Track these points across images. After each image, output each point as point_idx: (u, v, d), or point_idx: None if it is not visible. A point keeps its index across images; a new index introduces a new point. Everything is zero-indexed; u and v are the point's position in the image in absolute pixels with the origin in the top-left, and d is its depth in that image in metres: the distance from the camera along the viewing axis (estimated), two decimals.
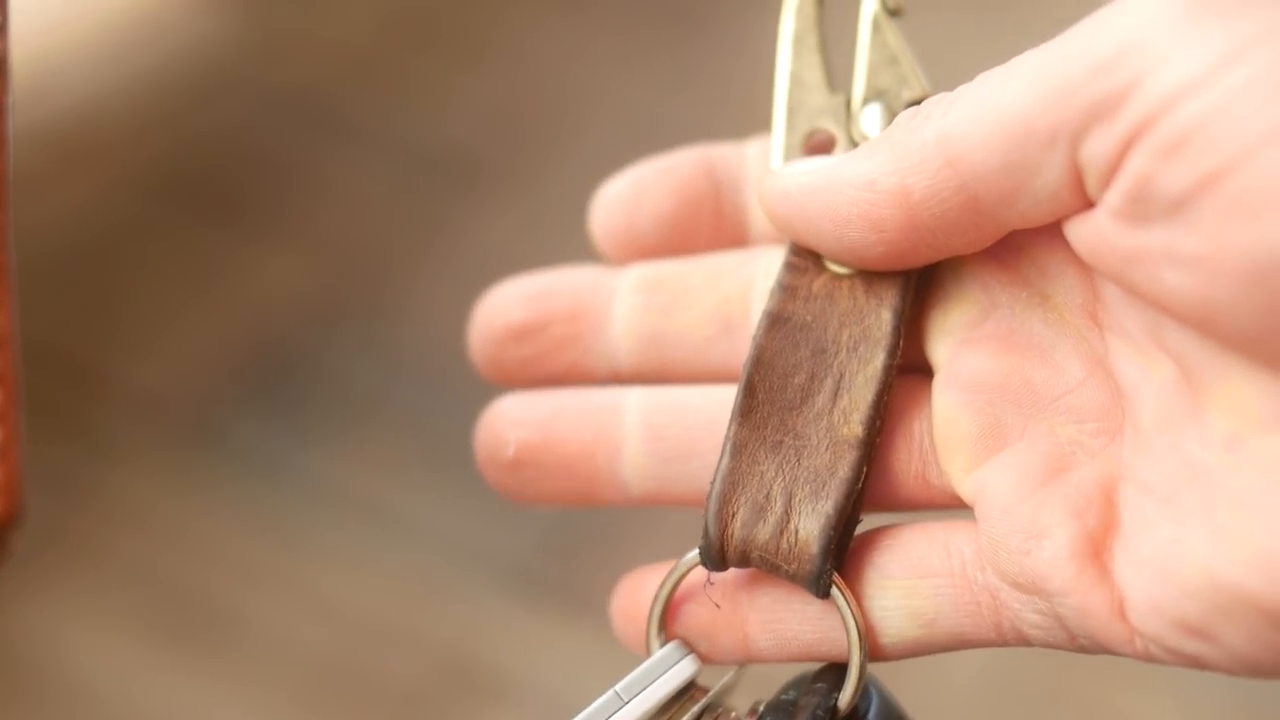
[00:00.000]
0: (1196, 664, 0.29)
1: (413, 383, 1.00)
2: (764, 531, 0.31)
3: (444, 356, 1.00)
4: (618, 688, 0.31)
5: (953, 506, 0.32)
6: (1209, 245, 0.27)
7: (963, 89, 0.30)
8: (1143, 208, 0.27)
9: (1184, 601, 0.28)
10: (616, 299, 0.35)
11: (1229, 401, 0.28)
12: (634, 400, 0.34)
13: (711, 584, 0.32)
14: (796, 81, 0.34)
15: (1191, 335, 0.29)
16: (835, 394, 0.32)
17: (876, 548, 0.32)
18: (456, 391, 0.85)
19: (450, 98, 1.19)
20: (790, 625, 0.32)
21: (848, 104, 0.34)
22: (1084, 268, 0.31)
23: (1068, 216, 0.29)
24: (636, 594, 0.33)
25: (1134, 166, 0.27)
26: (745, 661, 0.32)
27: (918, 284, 0.33)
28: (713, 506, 0.31)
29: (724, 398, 0.33)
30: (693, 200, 0.35)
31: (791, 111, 0.34)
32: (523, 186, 1.11)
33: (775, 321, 0.33)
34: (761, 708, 0.32)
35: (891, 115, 0.34)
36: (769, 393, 0.32)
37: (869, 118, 0.34)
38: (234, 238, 1.09)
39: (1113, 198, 0.28)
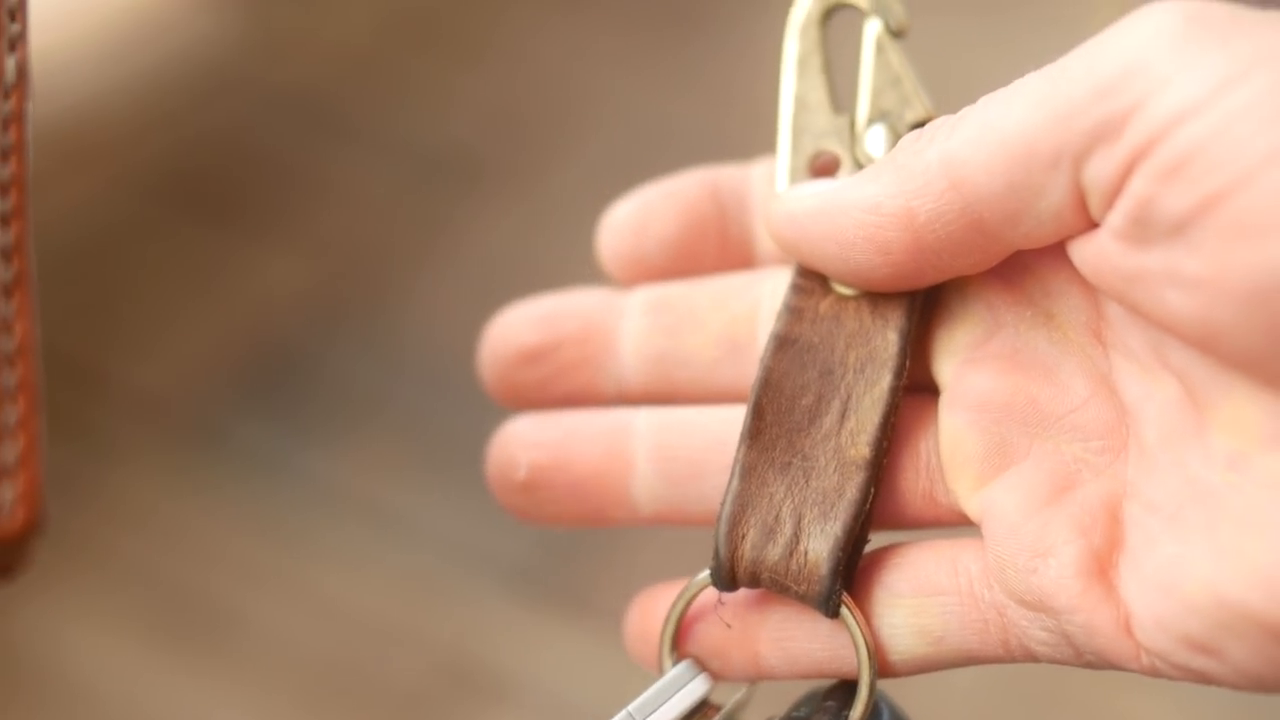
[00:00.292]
0: (1202, 679, 0.29)
1: (414, 383, 1.00)
2: (773, 553, 0.31)
3: (445, 357, 1.00)
4: (630, 707, 0.31)
5: (960, 525, 0.32)
6: (1211, 267, 0.27)
7: (965, 112, 0.30)
8: (1145, 229, 0.28)
9: (1188, 618, 0.28)
10: (625, 321, 0.35)
11: (1232, 420, 0.28)
12: (643, 421, 0.34)
13: (722, 604, 0.32)
14: (801, 103, 0.35)
15: (1194, 354, 0.29)
16: (843, 415, 0.32)
17: (885, 566, 0.32)
18: (458, 392, 0.85)
19: (451, 98, 1.19)
20: (800, 643, 0.32)
21: (852, 125, 0.34)
22: (1088, 286, 0.31)
23: (1071, 237, 0.30)
24: (649, 614, 0.34)
25: (1136, 188, 0.27)
26: (756, 679, 0.33)
27: (923, 304, 0.33)
28: (723, 528, 0.32)
29: (732, 418, 0.33)
30: (698, 223, 0.36)
31: (796, 133, 0.35)
32: (524, 187, 1.11)
33: (783, 344, 0.33)
34: None
35: (895, 136, 0.34)
36: (777, 414, 0.33)
37: (874, 139, 0.34)
38: (234, 238, 1.09)
39: (1115, 219, 0.28)
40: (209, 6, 1.28)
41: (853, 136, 0.34)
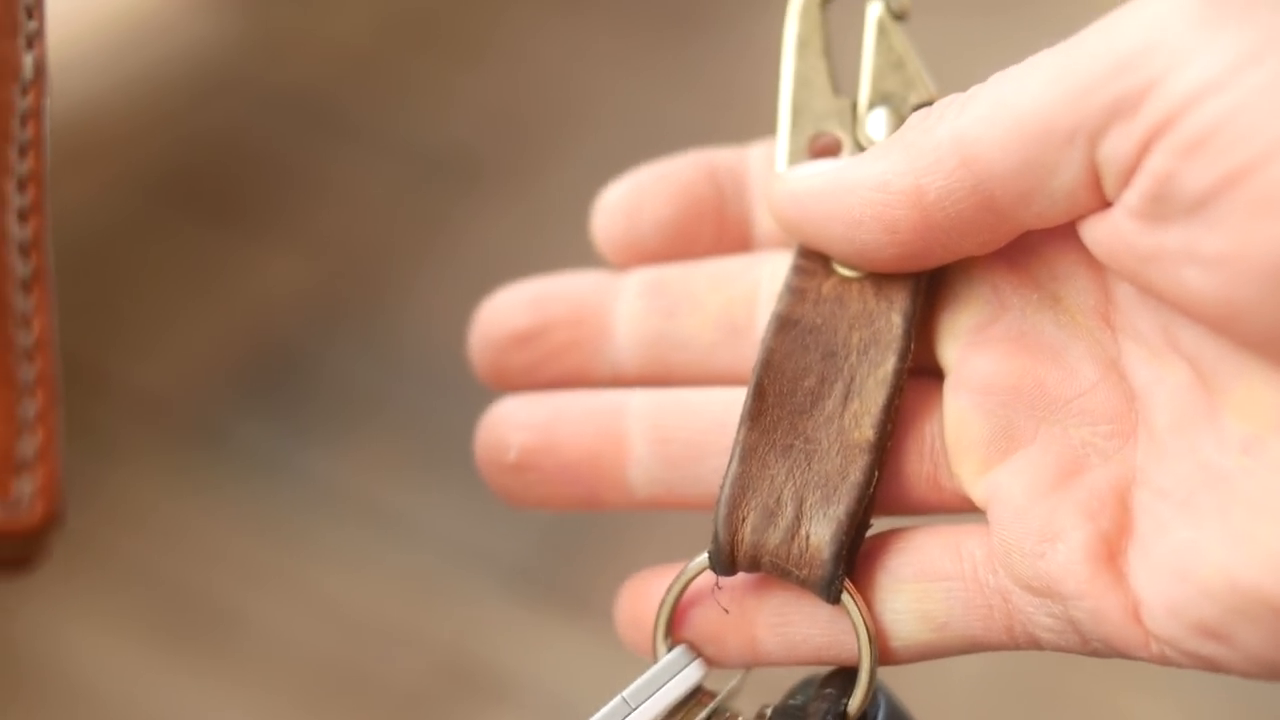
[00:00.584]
0: (1212, 667, 0.29)
1: (414, 383, 1.00)
2: (774, 536, 0.31)
3: (445, 357, 0.99)
4: (625, 694, 0.31)
5: (963, 510, 0.32)
6: (1231, 244, 0.27)
7: (976, 89, 0.30)
8: (1163, 207, 0.27)
9: (1201, 604, 0.28)
10: (620, 303, 0.35)
11: (1246, 404, 0.28)
12: (638, 402, 0.34)
13: (719, 588, 0.32)
14: (801, 84, 0.34)
15: (1207, 337, 0.29)
16: (846, 397, 0.32)
17: (887, 551, 0.32)
18: (458, 392, 0.85)
19: (451, 98, 1.19)
20: (799, 628, 0.32)
21: (853, 107, 0.34)
22: (1096, 269, 0.31)
23: (1083, 216, 0.29)
24: (641, 599, 0.33)
25: (1154, 165, 0.27)
26: (752, 665, 0.32)
27: (927, 286, 0.32)
28: (722, 511, 0.31)
29: (731, 400, 0.33)
30: (695, 204, 0.35)
31: (796, 114, 0.34)
32: (524, 187, 1.11)
33: (784, 324, 0.33)
34: (769, 713, 0.32)
35: (898, 119, 0.33)
36: (779, 396, 0.32)
37: (875, 122, 0.34)
38: (234, 238, 1.09)
39: (1131, 197, 0.28)
40: (209, 6, 1.28)
41: (854, 119, 0.34)
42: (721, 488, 0.31)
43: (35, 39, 0.31)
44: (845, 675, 0.32)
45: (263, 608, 0.90)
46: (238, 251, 1.08)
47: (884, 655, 0.31)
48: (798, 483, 0.31)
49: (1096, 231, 0.29)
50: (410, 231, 1.10)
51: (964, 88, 0.32)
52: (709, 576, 0.32)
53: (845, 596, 0.31)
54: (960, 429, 0.31)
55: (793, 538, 0.31)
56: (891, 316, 0.32)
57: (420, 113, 1.18)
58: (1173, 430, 0.29)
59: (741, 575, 0.32)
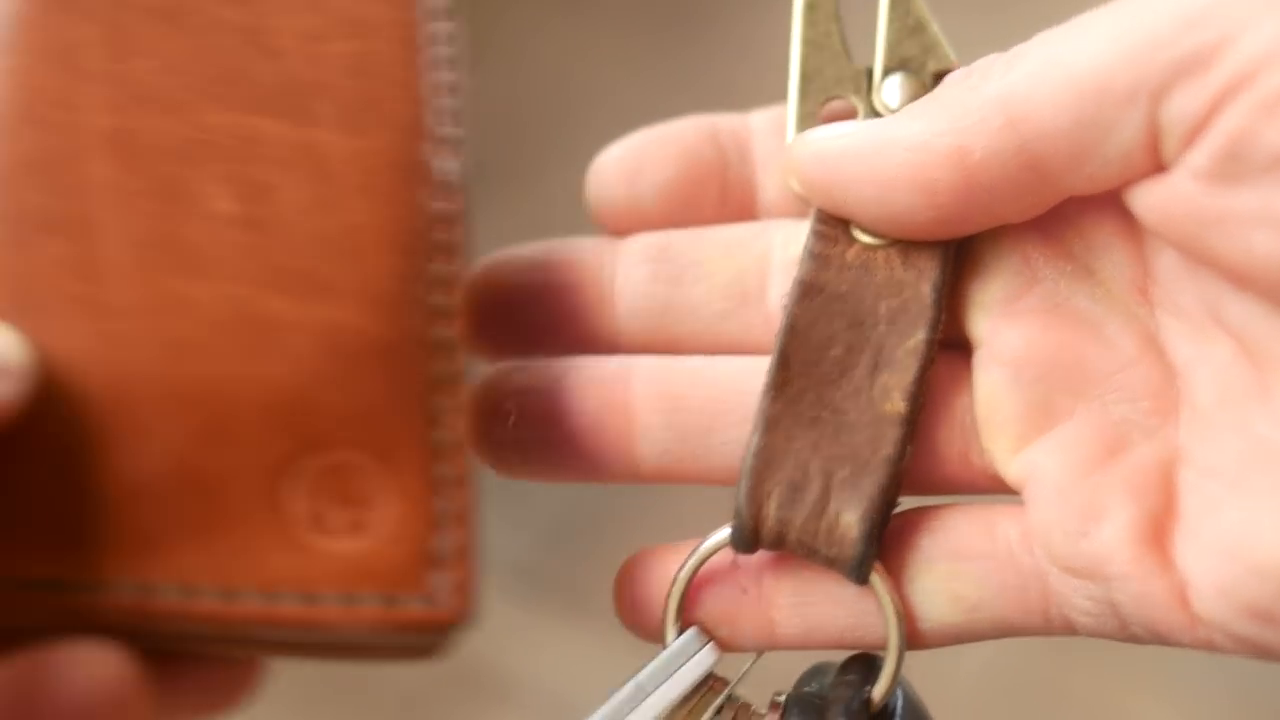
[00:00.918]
0: (1261, 652, 0.28)
1: None
2: (801, 513, 0.30)
3: None
4: (639, 679, 0.30)
5: (991, 490, 0.31)
6: None
7: (1022, 48, 0.29)
8: (1235, 166, 0.27)
9: (1254, 584, 0.27)
10: (621, 269, 0.33)
11: None
12: (645, 369, 0.32)
13: (737, 566, 0.31)
14: (812, 48, 0.33)
15: (1259, 310, 0.28)
16: (874, 368, 0.31)
17: (916, 529, 0.30)
18: None
19: None
20: (821, 610, 0.31)
21: (868, 74, 0.33)
22: (1134, 241, 0.30)
23: (1134, 181, 0.28)
24: (642, 579, 0.32)
25: (1227, 124, 0.26)
26: (767, 648, 0.31)
27: (956, 255, 0.31)
28: (746, 485, 0.30)
29: (743, 368, 0.32)
30: (698, 168, 0.34)
31: (807, 80, 0.33)
32: (524, 187, 1.11)
33: (808, 290, 0.31)
34: (784, 700, 0.31)
35: (918, 85, 0.32)
36: (804, 365, 0.31)
37: (890, 88, 0.33)
38: None
39: (1198, 157, 0.27)
40: None
41: (869, 85, 0.33)
42: (744, 460, 0.30)
43: (455, 146, 0.32)
44: (865, 662, 0.31)
45: None
46: None
47: (912, 639, 0.30)
48: (825, 456, 0.30)
49: (1150, 197, 0.28)
50: None
51: None
52: (722, 555, 0.31)
53: (873, 576, 0.30)
54: (993, 404, 0.30)
55: (820, 514, 0.30)
56: (920, 286, 0.31)
57: None
58: (1219, 407, 0.28)
59: (758, 554, 0.31)
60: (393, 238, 0.30)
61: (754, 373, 0.31)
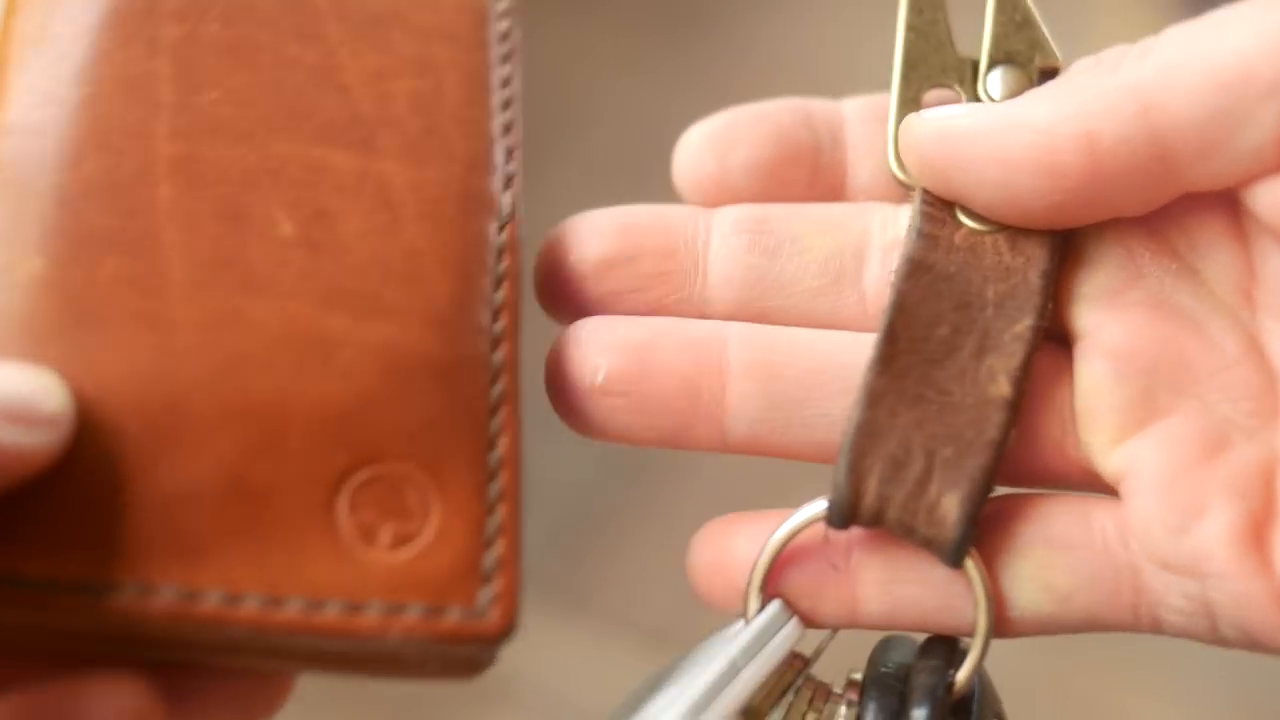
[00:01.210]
0: None
1: None
2: (902, 490, 0.29)
3: None
4: (733, 655, 0.29)
5: (1084, 485, 0.31)
6: None
7: (1154, 40, 0.29)
8: None
9: None
10: (716, 237, 0.33)
11: None
12: (741, 334, 0.32)
13: (828, 541, 0.30)
14: (918, 35, 0.33)
15: None
16: (979, 351, 0.30)
17: (1013, 516, 0.30)
18: None
19: None
20: (909, 590, 0.30)
21: (973, 65, 0.33)
22: (1241, 243, 0.30)
23: (1259, 178, 0.28)
24: (725, 544, 0.31)
25: None
26: (849, 625, 0.31)
27: (1063, 246, 0.31)
28: (847, 458, 0.30)
29: (844, 341, 0.31)
30: (791, 148, 0.33)
31: (910, 66, 0.33)
32: (524, 187, 1.11)
33: (917, 269, 0.31)
34: (862, 680, 0.30)
35: (1024, 79, 0.32)
36: (911, 342, 0.31)
37: (994, 81, 0.33)
38: None
39: None
40: None
41: (974, 76, 0.33)
42: (846, 434, 0.30)
43: (512, 180, 0.33)
44: (946, 644, 0.30)
45: None
46: None
47: (1000, 626, 0.30)
48: (928, 434, 0.30)
49: (1276, 193, 0.28)
50: None
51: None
52: (812, 529, 0.30)
53: (966, 560, 0.29)
54: (1094, 395, 0.30)
55: (922, 493, 0.29)
56: (1029, 274, 0.31)
57: None
58: None
59: (849, 530, 0.30)
60: (451, 263, 0.31)
61: (853, 347, 0.31)
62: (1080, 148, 0.29)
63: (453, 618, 0.28)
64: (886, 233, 0.33)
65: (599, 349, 0.31)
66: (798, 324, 0.32)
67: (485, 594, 0.28)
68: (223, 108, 0.31)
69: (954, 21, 0.34)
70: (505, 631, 0.28)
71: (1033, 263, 0.31)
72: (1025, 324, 0.30)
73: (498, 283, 0.31)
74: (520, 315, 0.31)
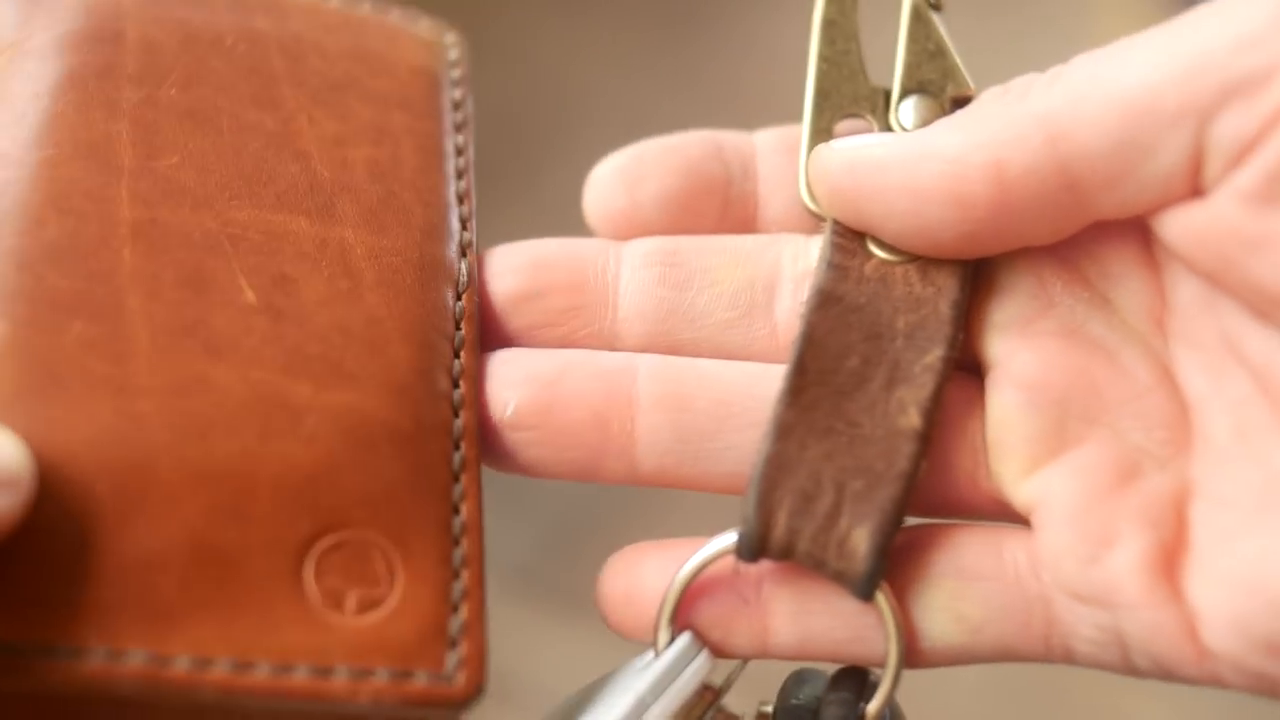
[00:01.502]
0: (1271, 688, 0.28)
1: None
2: (811, 524, 0.29)
3: None
4: (641, 692, 0.29)
5: (995, 515, 0.31)
6: None
7: (1063, 68, 0.29)
8: None
9: (1270, 618, 0.27)
10: (625, 271, 0.33)
11: None
12: (652, 366, 0.32)
13: (738, 574, 0.30)
14: (830, 65, 0.33)
15: None
16: (890, 382, 0.30)
17: (924, 546, 0.30)
18: None
19: None
20: (820, 621, 0.30)
21: (885, 94, 0.33)
22: (1152, 272, 0.30)
23: (1167, 206, 0.28)
24: (635, 575, 0.31)
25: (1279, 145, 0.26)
26: (760, 656, 0.31)
27: (973, 275, 0.31)
28: (756, 491, 0.29)
29: (754, 373, 0.31)
30: (701, 180, 0.33)
31: (823, 95, 0.33)
32: (522, 187, 1.11)
33: (827, 300, 0.31)
34: (772, 713, 0.30)
35: (936, 108, 0.33)
36: (820, 374, 0.30)
37: (907, 110, 0.33)
38: None
39: (1245, 178, 0.27)
40: None
41: (885, 105, 0.33)
42: (755, 467, 0.30)
43: (468, 249, 0.33)
44: (856, 676, 0.30)
45: None
46: None
47: (911, 657, 0.30)
48: (838, 467, 0.29)
49: (1184, 221, 0.28)
50: None
51: (975, 88, 0.32)
52: (722, 560, 0.30)
53: (876, 593, 0.29)
54: (1005, 425, 0.30)
55: (831, 526, 0.29)
56: (939, 304, 0.31)
57: None
58: (1236, 440, 0.28)
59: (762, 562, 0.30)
60: (411, 331, 0.31)
61: (763, 378, 0.31)
62: (989, 177, 0.29)
63: (420, 681, 0.28)
64: (798, 264, 0.32)
65: (508, 383, 0.31)
66: (710, 356, 0.32)
67: (452, 658, 0.28)
68: (183, 172, 0.31)
69: (866, 50, 0.34)
70: (472, 695, 0.28)
71: (943, 293, 0.31)
72: (936, 355, 0.30)
73: (457, 350, 0.32)
74: (478, 386, 0.31)
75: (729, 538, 0.30)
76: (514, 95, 1.19)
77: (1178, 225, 0.28)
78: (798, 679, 0.31)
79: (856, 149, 0.31)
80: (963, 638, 0.30)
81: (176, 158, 0.32)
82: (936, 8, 0.33)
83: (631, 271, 0.33)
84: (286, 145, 0.33)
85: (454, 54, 0.37)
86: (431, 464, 0.30)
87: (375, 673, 0.28)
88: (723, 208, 0.34)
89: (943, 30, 0.33)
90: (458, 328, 0.32)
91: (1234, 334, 0.29)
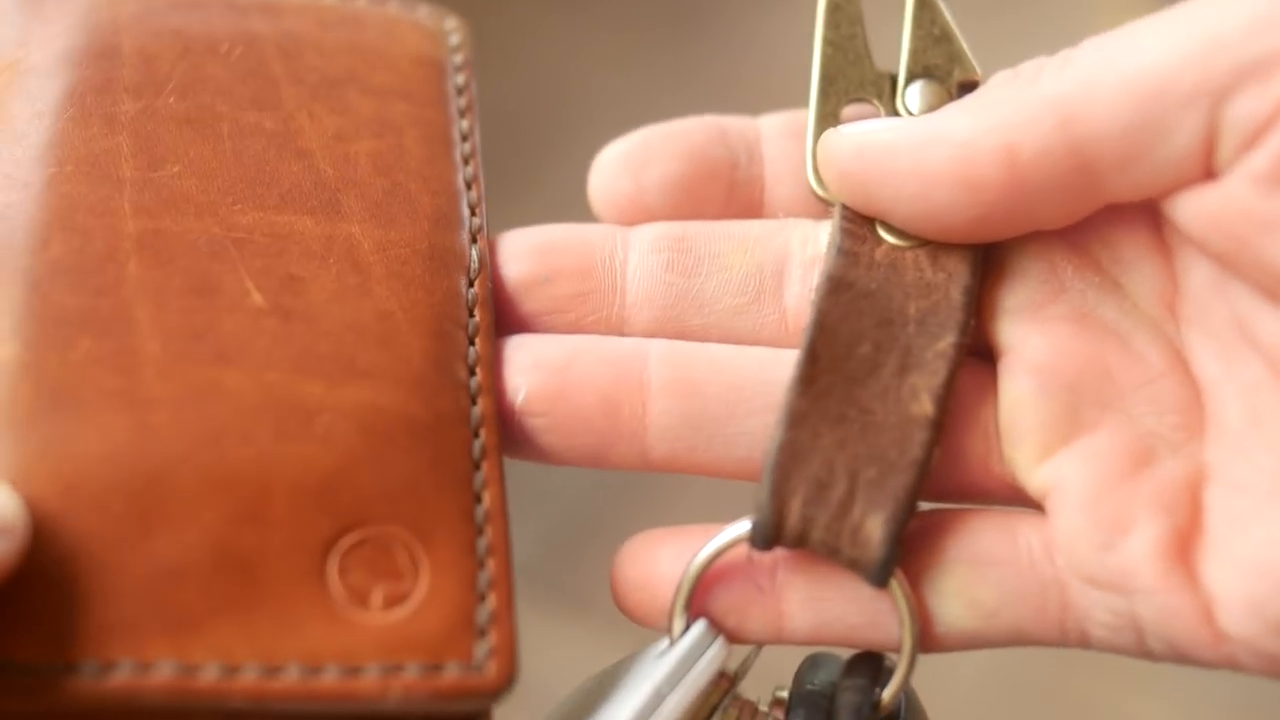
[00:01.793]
0: None
1: None
2: (825, 512, 0.29)
3: None
4: (657, 682, 0.29)
5: (1007, 500, 0.31)
6: None
7: (1073, 51, 0.29)
8: None
9: None
10: (633, 256, 0.33)
11: None
12: (663, 351, 0.31)
13: (752, 561, 0.30)
14: (835, 49, 0.33)
15: None
16: (902, 369, 0.30)
17: (938, 532, 0.30)
18: None
19: None
20: (834, 607, 0.30)
21: (891, 79, 0.33)
22: (1163, 256, 0.30)
23: (1180, 189, 0.28)
24: (649, 562, 0.31)
25: None
26: (775, 642, 0.31)
27: (984, 260, 0.31)
28: (770, 480, 0.29)
29: (768, 359, 0.31)
30: (706, 165, 0.33)
31: (828, 80, 0.33)
32: (522, 186, 1.11)
33: (837, 286, 0.31)
34: (787, 698, 0.30)
35: (942, 94, 0.32)
36: (832, 361, 0.30)
37: (913, 95, 0.33)
38: None
39: (1258, 160, 0.27)
40: None
41: (892, 90, 0.33)
42: (768, 455, 0.29)
43: (478, 234, 0.33)
44: (870, 662, 0.30)
45: None
46: None
47: (926, 642, 0.30)
48: (851, 455, 0.29)
49: (1196, 203, 0.28)
50: None
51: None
52: (736, 548, 0.30)
53: (890, 579, 0.29)
54: (1018, 411, 0.30)
55: (845, 514, 0.29)
56: (950, 290, 0.31)
57: None
58: (1249, 425, 0.28)
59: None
60: (423, 322, 0.31)
61: (775, 363, 0.31)
62: (1000, 160, 0.29)
63: (452, 674, 0.28)
64: (807, 249, 0.32)
65: (519, 369, 0.31)
66: (718, 342, 0.32)
67: (482, 648, 0.28)
68: (185, 180, 0.31)
69: (871, 35, 0.33)
70: (505, 684, 0.28)
71: (954, 278, 0.31)
72: (948, 341, 0.30)
73: (471, 337, 0.31)
74: (493, 371, 0.31)
75: (743, 526, 0.30)
76: (514, 93, 1.19)
77: (1190, 208, 0.28)
78: (812, 663, 0.31)
79: (865, 133, 0.31)
80: (977, 623, 0.30)
81: (178, 166, 0.32)
82: None
83: (639, 257, 0.33)
84: (288, 145, 0.33)
85: (455, 39, 0.37)
86: (451, 454, 0.30)
87: (405, 668, 0.28)
88: (728, 192, 0.33)
89: (948, 15, 0.33)
90: (471, 314, 0.32)
91: (1246, 318, 0.29)
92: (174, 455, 0.28)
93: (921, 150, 0.29)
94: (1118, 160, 0.28)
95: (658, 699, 0.29)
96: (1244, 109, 0.27)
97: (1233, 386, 0.29)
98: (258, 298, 0.30)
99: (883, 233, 0.31)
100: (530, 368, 0.31)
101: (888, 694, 0.30)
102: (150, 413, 0.28)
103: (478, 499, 0.30)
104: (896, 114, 0.33)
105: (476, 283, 0.32)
